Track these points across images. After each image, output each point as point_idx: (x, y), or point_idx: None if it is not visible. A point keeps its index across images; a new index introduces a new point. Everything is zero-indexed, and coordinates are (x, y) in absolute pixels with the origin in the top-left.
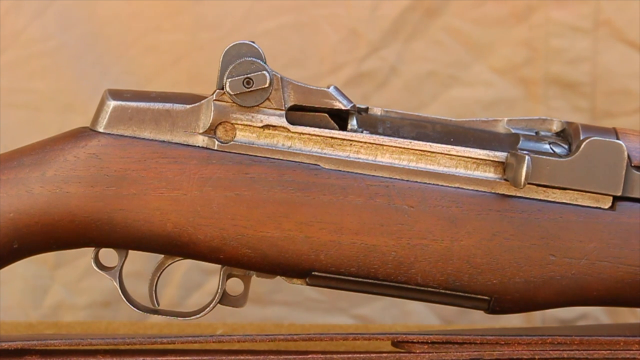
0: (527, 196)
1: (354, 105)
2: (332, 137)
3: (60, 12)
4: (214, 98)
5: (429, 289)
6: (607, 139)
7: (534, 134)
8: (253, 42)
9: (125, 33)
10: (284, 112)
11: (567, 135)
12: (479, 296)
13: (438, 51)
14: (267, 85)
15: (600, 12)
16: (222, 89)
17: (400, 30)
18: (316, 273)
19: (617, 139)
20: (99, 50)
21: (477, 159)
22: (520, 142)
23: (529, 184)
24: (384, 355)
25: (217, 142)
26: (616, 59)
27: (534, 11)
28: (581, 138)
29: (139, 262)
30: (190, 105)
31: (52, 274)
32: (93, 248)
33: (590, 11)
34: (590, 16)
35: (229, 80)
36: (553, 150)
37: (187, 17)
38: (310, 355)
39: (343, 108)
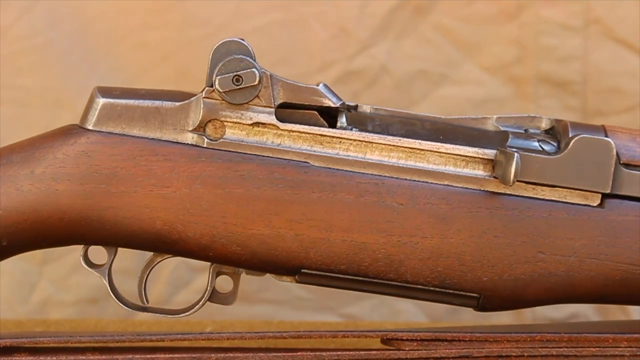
0: (516, 194)
1: (344, 103)
2: (321, 135)
3: (48, 8)
4: (204, 95)
5: (419, 286)
6: (596, 137)
7: (523, 131)
8: (242, 39)
9: (114, 30)
10: (273, 110)
11: (556, 133)
12: (469, 293)
13: (428, 49)
14: (256, 82)
15: (591, 10)
16: (212, 86)
17: (389, 28)
18: (305, 271)
19: (606, 136)
20: (87, 46)
21: (466, 156)
22: (509, 139)
23: (518, 181)
24: (373, 352)
25: (206, 140)
26: (607, 57)
27: (523, 9)
28: (570, 135)
29: (128, 259)
30: (180, 103)
31: (40, 270)
32: (82, 245)
33: (580, 9)
34: (581, 14)
35: (219, 77)
36: (542, 147)
37: (175, 14)
38: (299, 353)
39: (332, 105)
